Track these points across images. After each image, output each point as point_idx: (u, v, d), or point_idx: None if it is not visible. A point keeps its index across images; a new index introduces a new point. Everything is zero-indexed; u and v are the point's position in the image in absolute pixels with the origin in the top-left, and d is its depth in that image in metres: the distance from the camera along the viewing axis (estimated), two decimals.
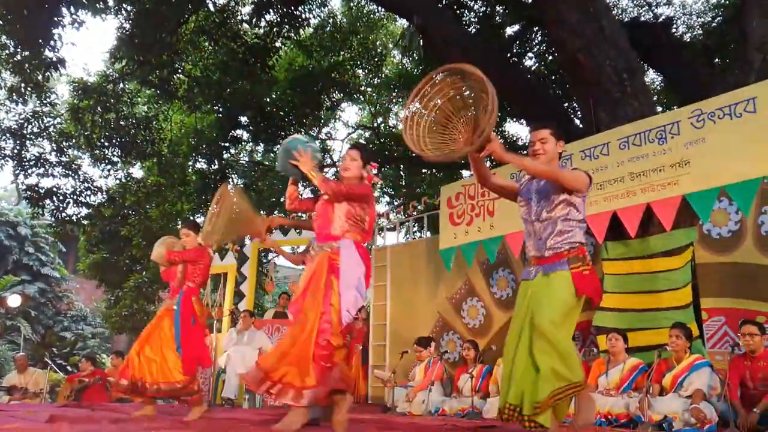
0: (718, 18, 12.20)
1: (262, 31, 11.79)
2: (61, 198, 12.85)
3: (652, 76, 13.34)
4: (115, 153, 13.24)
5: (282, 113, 13.55)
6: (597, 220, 6.01)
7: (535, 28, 12.16)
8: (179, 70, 12.38)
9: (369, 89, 15.92)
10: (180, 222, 15.59)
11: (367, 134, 16.83)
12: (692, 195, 5.33)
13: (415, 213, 9.24)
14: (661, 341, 5.56)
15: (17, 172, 12.33)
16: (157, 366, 4.73)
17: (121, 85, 12.76)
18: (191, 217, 16.00)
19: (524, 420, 3.08)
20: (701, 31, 12.82)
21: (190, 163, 14.52)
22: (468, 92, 3.07)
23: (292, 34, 12.01)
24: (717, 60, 11.06)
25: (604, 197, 6.01)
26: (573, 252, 3.30)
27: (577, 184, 3.32)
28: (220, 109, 13.10)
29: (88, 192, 13.44)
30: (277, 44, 11.89)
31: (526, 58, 13.07)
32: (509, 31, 12.86)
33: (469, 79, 3.02)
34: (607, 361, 5.75)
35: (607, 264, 6.47)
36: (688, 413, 4.70)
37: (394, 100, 16.10)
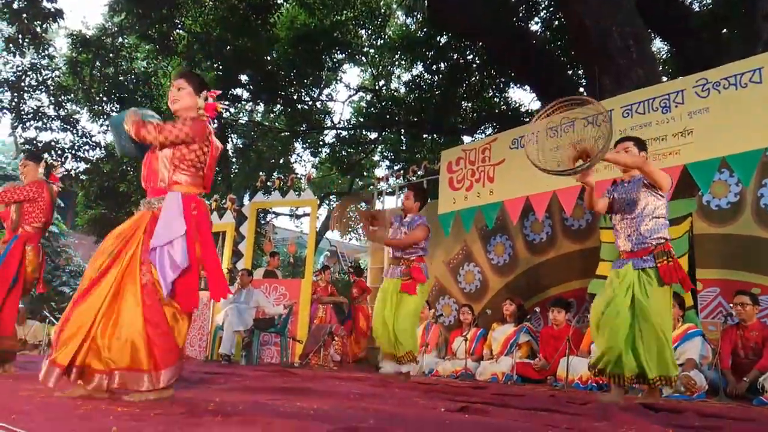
0: None
1: None
2: (59, 152, 12.80)
3: (658, 45, 13.18)
4: (113, 108, 13.14)
5: (282, 72, 13.39)
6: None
7: None
8: (179, 26, 12.20)
9: (371, 51, 15.70)
10: None
11: (368, 97, 16.68)
12: (693, 165, 5.30)
13: (414, 178, 9.21)
14: None
15: (15, 125, 12.26)
16: None
17: (120, 39, 12.60)
18: None
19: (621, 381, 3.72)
20: (709, 0, 12.61)
21: None
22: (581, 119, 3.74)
23: None
24: (724, 30, 10.90)
25: (605, 165, 5.94)
26: (659, 248, 3.74)
27: (660, 178, 3.73)
28: (220, 67, 12.94)
29: (87, 147, 13.40)
30: (279, 1, 11.69)
31: (532, 23, 12.88)
32: None
33: (584, 107, 3.58)
34: None
35: (605, 232, 6.47)
36: (678, 381, 4.76)
37: (396, 63, 15.90)
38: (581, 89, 9.70)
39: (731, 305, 5.28)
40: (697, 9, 12.26)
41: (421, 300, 5.23)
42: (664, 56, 13.36)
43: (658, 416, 2.96)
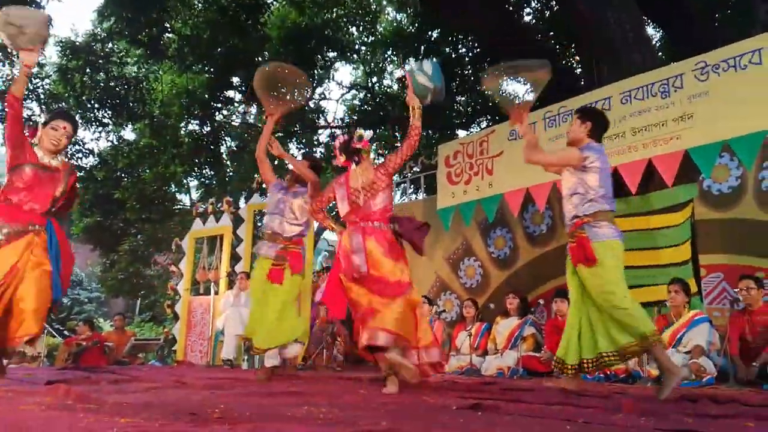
0: None
1: None
2: None
3: (650, 32, 13.10)
4: (106, 114, 13.04)
5: None
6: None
7: None
8: (169, 29, 12.10)
9: (363, 48, 15.62)
10: (173, 184, 15.46)
11: (361, 94, 16.59)
12: (695, 149, 5.24)
13: (410, 174, 9.13)
14: (660, 297, 5.56)
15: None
16: None
17: (110, 45, 12.50)
18: (184, 180, 15.84)
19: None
20: None
21: (183, 124, 14.30)
22: None
23: None
24: (718, 14, 10.83)
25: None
26: (572, 227, 3.70)
27: (558, 161, 3.85)
28: (211, 69, 12.83)
29: (80, 155, 13.30)
30: (269, 0, 11.60)
31: (524, 13, 12.80)
32: None
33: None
34: None
35: None
36: (687, 368, 4.71)
37: (388, 59, 15.82)
38: (580, 80, 9.61)
39: (735, 290, 5.25)
40: None
41: (292, 290, 4.53)
42: (658, 43, 13.29)
43: (674, 405, 2.91)
